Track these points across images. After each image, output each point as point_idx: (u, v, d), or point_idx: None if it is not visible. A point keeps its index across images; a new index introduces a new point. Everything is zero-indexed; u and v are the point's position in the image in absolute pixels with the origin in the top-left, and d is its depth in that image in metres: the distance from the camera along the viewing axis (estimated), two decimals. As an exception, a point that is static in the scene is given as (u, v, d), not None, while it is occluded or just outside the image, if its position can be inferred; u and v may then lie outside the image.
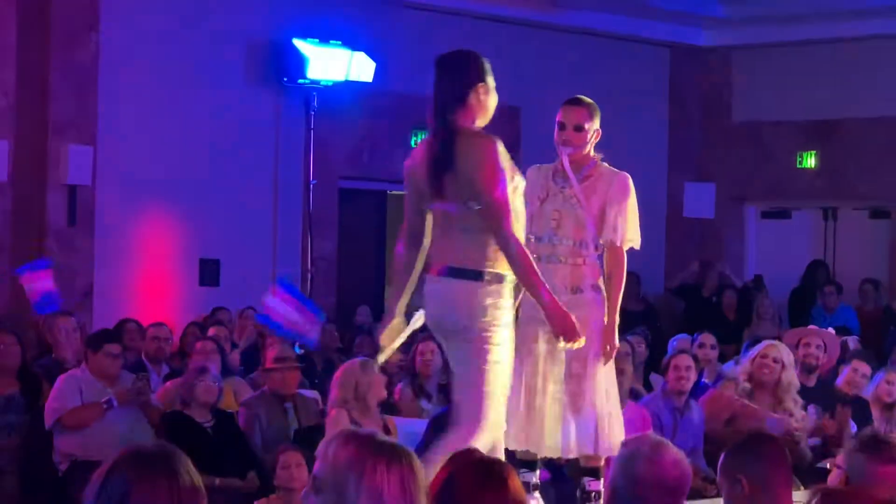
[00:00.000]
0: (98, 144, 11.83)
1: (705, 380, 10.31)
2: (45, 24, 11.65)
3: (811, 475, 8.16)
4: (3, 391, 9.17)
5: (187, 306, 12.31)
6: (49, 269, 10.59)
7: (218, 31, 12.65)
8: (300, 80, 12.75)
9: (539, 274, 5.57)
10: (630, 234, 6.38)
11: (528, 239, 5.95)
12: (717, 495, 5.07)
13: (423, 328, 6.07)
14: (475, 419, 5.56)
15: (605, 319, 6.33)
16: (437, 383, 9.81)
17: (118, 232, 12.02)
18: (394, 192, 15.01)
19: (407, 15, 13.69)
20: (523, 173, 5.88)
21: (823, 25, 14.71)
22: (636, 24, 15.02)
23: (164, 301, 12.15)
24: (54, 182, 11.67)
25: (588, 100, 6.46)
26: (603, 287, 6.36)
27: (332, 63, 12.73)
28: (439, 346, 9.64)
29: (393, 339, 6.02)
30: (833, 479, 5.69)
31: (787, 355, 9.02)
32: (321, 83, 12.80)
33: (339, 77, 12.78)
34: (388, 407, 9.10)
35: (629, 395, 8.81)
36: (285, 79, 12.80)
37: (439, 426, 8.06)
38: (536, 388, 6.23)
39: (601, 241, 6.37)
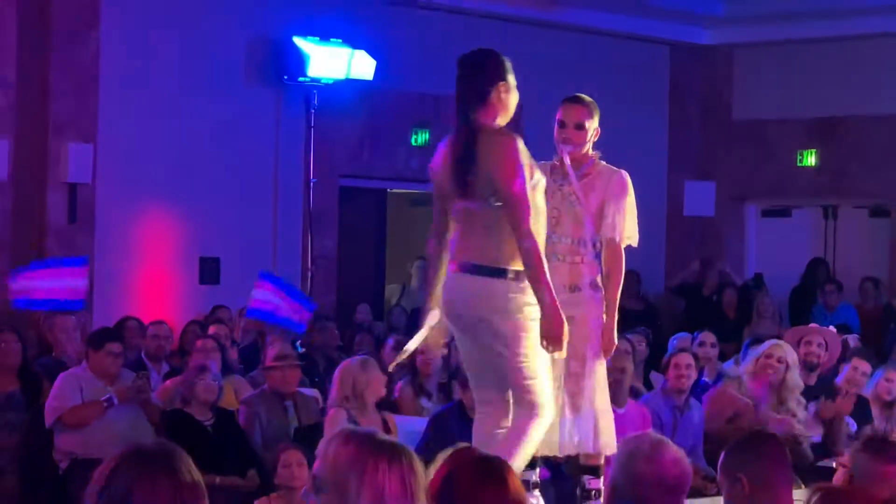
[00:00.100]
0: (98, 143, 11.82)
1: (706, 378, 10.32)
2: (45, 23, 11.65)
3: (812, 474, 8.16)
4: (3, 389, 9.18)
5: (187, 304, 12.31)
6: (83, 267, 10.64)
7: (218, 30, 12.65)
8: (300, 79, 12.75)
9: (547, 274, 5.58)
10: (629, 231, 6.39)
11: None
12: (718, 494, 5.07)
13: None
14: (530, 408, 5.73)
15: (604, 317, 6.34)
16: (438, 382, 9.82)
17: (118, 230, 12.02)
18: (394, 191, 15.02)
19: (407, 13, 13.69)
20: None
21: (823, 24, 14.70)
22: (636, 23, 15.01)
23: (164, 299, 12.15)
24: (54, 180, 11.67)
25: (588, 98, 6.47)
26: (601, 285, 6.36)
27: (333, 61, 12.73)
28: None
29: (441, 333, 6.09)
30: (838, 478, 5.69)
31: (791, 356, 9.01)
32: (321, 81, 12.80)
33: (340, 75, 12.77)
34: (389, 405, 9.11)
35: (629, 394, 8.81)
36: (286, 77, 12.80)
37: (439, 425, 8.09)
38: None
39: (600, 239, 6.38)
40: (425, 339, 6.12)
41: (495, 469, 3.71)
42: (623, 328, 6.77)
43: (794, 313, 14.82)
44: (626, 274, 6.47)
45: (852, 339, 11.37)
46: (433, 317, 6.02)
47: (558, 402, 6.22)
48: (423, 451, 6.93)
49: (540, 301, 5.61)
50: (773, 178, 15.66)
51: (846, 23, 14.54)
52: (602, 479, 6.23)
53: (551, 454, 6.34)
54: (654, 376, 10.55)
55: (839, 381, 9.61)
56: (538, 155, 6.73)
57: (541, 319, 5.62)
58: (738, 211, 16.14)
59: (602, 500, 6.09)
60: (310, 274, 13.02)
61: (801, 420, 8.85)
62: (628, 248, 6.44)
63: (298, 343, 11.10)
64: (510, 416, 5.89)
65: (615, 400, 7.25)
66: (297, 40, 12.67)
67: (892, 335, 12.94)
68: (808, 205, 16.07)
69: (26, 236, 11.71)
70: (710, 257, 15.50)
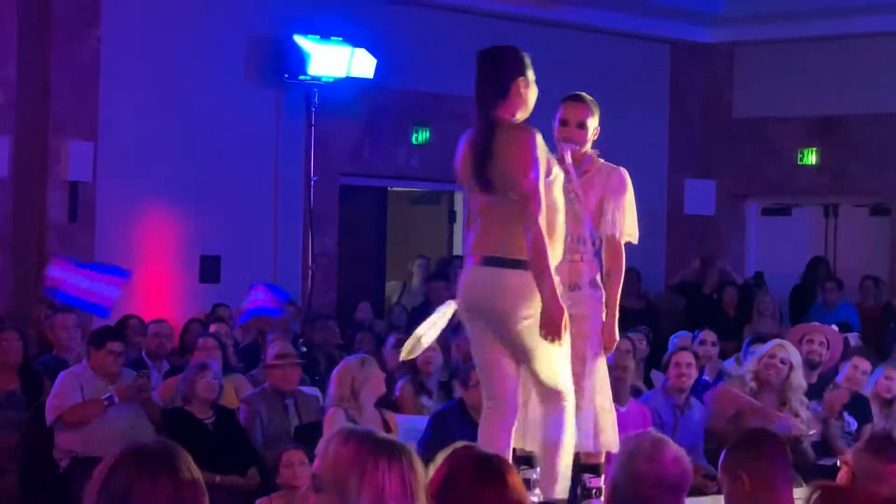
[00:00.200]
0: (99, 141, 11.82)
1: (706, 377, 10.32)
2: (45, 21, 11.65)
3: (813, 472, 8.17)
4: (4, 387, 9.18)
5: (188, 303, 12.30)
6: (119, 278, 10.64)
7: (219, 28, 12.65)
8: (301, 77, 12.74)
9: (551, 268, 5.64)
10: (628, 227, 6.39)
11: None
12: (718, 492, 5.07)
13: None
14: (557, 398, 5.90)
15: (605, 315, 6.34)
16: (438, 380, 9.82)
17: (119, 229, 12.01)
18: (394, 189, 15.02)
19: (408, 11, 13.69)
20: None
21: (824, 22, 14.70)
22: (637, 21, 15.01)
23: (164, 298, 12.14)
24: (55, 179, 11.66)
25: (588, 96, 6.47)
26: (601, 284, 6.37)
27: (333, 59, 12.72)
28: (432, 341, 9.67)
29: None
30: (841, 477, 5.70)
31: (794, 356, 8.99)
32: (322, 80, 12.79)
33: (340, 73, 12.77)
34: (390, 404, 9.11)
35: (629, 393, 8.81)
36: (286, 75, 12.79)
37: (440, 424, 8.08)
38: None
39: (599, 236, 6.38)
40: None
41: (495, 468, 3.71)
42: (623, 327, 6.77)
43: (794, 312, 14.82)
44: (626, 272, 6.48)
45: (853, 338, 11.38)
46: (449, 307, 6.11)
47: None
48: (424, 450, 6.95)
49: (540, 291, 5.66)
50: (774, 176, 15.66)
51: (847, 21, 14.54)
52: (603, 477, 6.23)
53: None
54: (655, 375, 10.55)
55: (839, 379, 9.62)
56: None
57: (541, 310, 5.66)
58: (738, 209, 16.13)
59: (603, 498, 6.09)
60: (310, 272, 13.02)
61: (803, 420, 8.85)
62: (629, 245, 6.44)
63: (300, 341, 11.12)
64: (517, 414, 5.94)
65: (617, 398, 7.24)
66: (298, 39, 12.67)
67: (892, 334, 12.93)
68: (809, 203, 16.07)
69: (26, 235, 11.71)
70: (711, 256, 15.50)
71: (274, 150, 13.05)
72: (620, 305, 6.44)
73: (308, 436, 8.08)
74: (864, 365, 9.64)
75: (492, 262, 5.80)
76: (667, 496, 4.17)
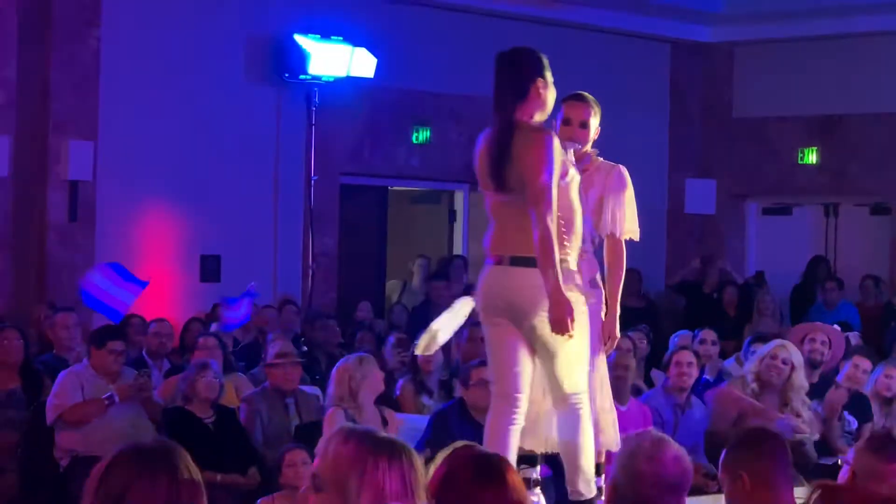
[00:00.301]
0: (99, 140, 11.82)
1: (707, 376, 10.32)
2: (46, 20, 11.64)
3: (813, 472, 8.16)
4: (4, 386, 9.18)
5: (188, 302, 12.30)
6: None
7: (219, 27, 12.65)
8: (301, 76, 12.74)
9: (557, 263, 5.69)
10: (629, 225, 6.40)
11: None
12: (719, 492, 5.07)
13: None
14: (573, 395, 5.97)
15: (604, 312, 6.35)
16: (439, 379, 9.81)
17: (119, 228, 12.01)
18: (395, 188, 15.02)
19: (408, 11, 13.69)
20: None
21: (824, 22, 14.69)
22: (637, 20, 15.01)
23: (165, 297, 12.14)
24: (55, 178, 11.66)
25: (590, 96, 6.48)
26: (601, 282, 6.37)
27: (334, 59, 12.72)
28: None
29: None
30: (841, 476, 5.69)
31: (796, 357, 8.97)
32: (322, 79, 12.79)
33: (341, 73, 12.77)
34: (390, 403, 9.10)
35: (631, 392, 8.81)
36: (286, 74, 12.79)
37: (441, 423, 8.08)
38: (536, 385, 6.24)
39: (600, 234, 6.38)
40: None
41: (495, 467, 3.71)
42: (624, 326, 6.77)
43: (794, 311, 14.82)
44: (626, 272, 6.48)
45: (853, 337, 11.37)
46: (465, 303, 6.20)
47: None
48: (425, 449, 6.95)
49: (546, 288, 5.71)
50: (774, 175, 15.65)
51: (847, 21, 14.53)
52: (603, 477, 6.23)
53: (552, 451, 6.34)
54: (655, 374, 10.55)
55: (840, 378, 9.61)
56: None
57: (549, 303, 5.73)
58: (738, 209, 16.13)
59: (603, 498, 6.09)
60: (311, 271, 13.02)
61: (805, 421, 8.84)
62: (629, 244, 6.44)
63: (301, 340, 11.12)
64: (526, 412, 6.00)
65: (618, 398, 7.24)
66: (298, 38, 12.67)
67: (892, 333, 12.92)
68: (809, 203, 16.07)
69: (27, 234, 11.72)
70: (711, 255, 15.50)
71: (274, 150, 13.04)
72: (621, 305, 6.44)
73: (309, 435, 8.08)
74: (865, 364, 9.64)
75: (512, 261, 5.87)
76: (667, 495, 4.16)
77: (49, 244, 11.65)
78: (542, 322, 5.81)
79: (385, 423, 8.22)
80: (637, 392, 9.26)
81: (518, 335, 5.92)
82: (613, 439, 6.33)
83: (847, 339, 10.82)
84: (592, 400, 6.31)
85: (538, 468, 6.41)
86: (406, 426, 8.49)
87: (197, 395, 8.51)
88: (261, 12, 12.83)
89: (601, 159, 6.46)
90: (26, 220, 11.70)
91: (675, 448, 4.24)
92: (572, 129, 6.36)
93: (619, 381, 8.18)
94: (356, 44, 12.84)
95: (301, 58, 12.64)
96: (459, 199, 14.93)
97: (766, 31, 15.20)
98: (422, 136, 13.96)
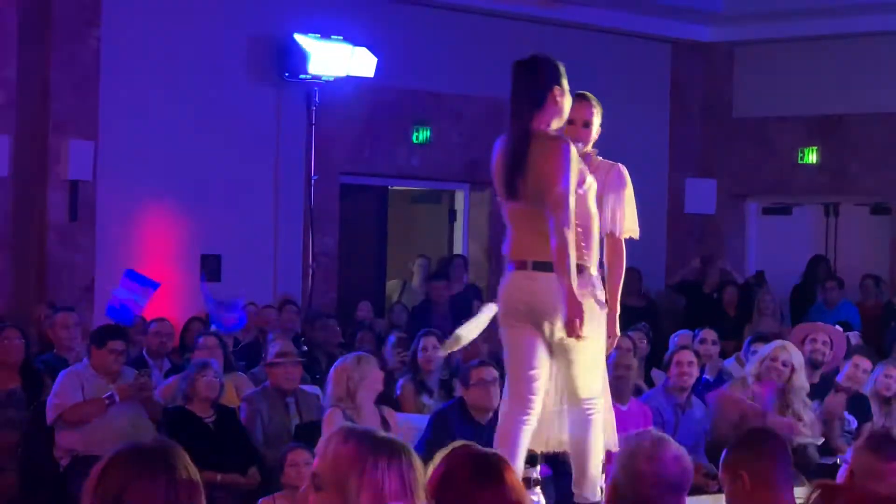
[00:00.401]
0: (99, 140, 11.82)
1: (707, 376, 10.32)
2: (46, 20, 11.65)
3: (814, 471, 8.16)
4: (4, 386, 9.18)
5: (189, 302, 12.30)
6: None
7: (219, 27, 12.65)
8: (301, 76, 12.74)
9: (572, 270, 5.76)
10: (629, 223, 6.42)
11: None
12: (719, 491, 5.07)
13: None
14: (588, 399, 6.07)
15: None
16: (439, 379, 9.82)
17: (119, 228, 12.01)
18: (395, 188, 15.02)
19: (408, 10, 13.69)
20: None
21: (825, 21, 14.69)
22: (638, 20, 15.01)
23: (165, 296, 12.14)
24: (55, 178, 11.66)
25: (592, 96, 6.49)
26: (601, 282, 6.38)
27: (334, 58, 12.72)
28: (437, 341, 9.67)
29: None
30: (841, 476, 5.69)
31: (797, 358, 8.96)
32: (322, 78, 12.79)
33: (341, 72, 12.76)
34: (390, 402, 9.10)
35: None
36: (286, 74, 12.79)
37: (441, 423, 8.08)
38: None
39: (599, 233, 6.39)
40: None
41: (494, 467, 3.71)
42: (624, 325, 6.78)
43: (795, 311, 14.82)
44: (627, 271, 6.49)
45: (853, 337, 11.38)
46: (489, 309, 6.27)
47: (560, 399, 6.24)
48: (425, 449, 6.96)
49: (560, 282, 5.79)
50: (774, 175, 15.65)
51: (847, 20, 14.53)
52: (603, 476, 6.23)
53: (552, 451, 6.35)
54: (656, 374, 10.55)
55: (840, 378, 9.61)
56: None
57: (563, 304, 5.80)
58: (738, 208, 16.13)
59: (603, 497, 6.09)
60: (311, 271, 13.01)
61: (806, 423, 8.83)
62: (629, 243, 6.45)
63: (301, 340, 11.12)
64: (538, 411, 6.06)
65: (619, 397, 7.26)
66: (298, 38, 12.67)
67: (892, 332, 12.93)
68: (809, 202, 16.07)
69: (27, 234, 11.72)
70: (711, 255, 15.50)
71: (274, 149, 13.04)
72: (621, 304, 6.45)
73: (309, 434, 8.08)
74: (865, 363, 9.64)
75: (533, 265, 5.94)
76: (667, 495, 4.16)
77: (49, 244, 11.65)
78: (561, 326, 5.88)
79: (384, 422, 8.21)
80: (637, 392, 9.26)
81: (537, 338, 5.98)
82: (613, 439, 6.33)
83: (847, 338, 10.82)
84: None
85: (538, 468, 6.41)
86: (406, 426, 8.48)
87: (197, 394, 8.51)
88: (261, 12, 12.83)
89: (601, 158, 6.47)
90: (26, 220, 11.70)
91: (676, 448, 4.24)
92: (576, 129, 6.37)
93: (620, 380, 8.19)
94: (356, 44, 12.84)
95: (301, 57, 12.63)
96: (459, 199, 14.93)
97: (766, 31, 15.20)
98: (422, 136, 13.96)
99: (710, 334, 10.89)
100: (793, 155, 15.49)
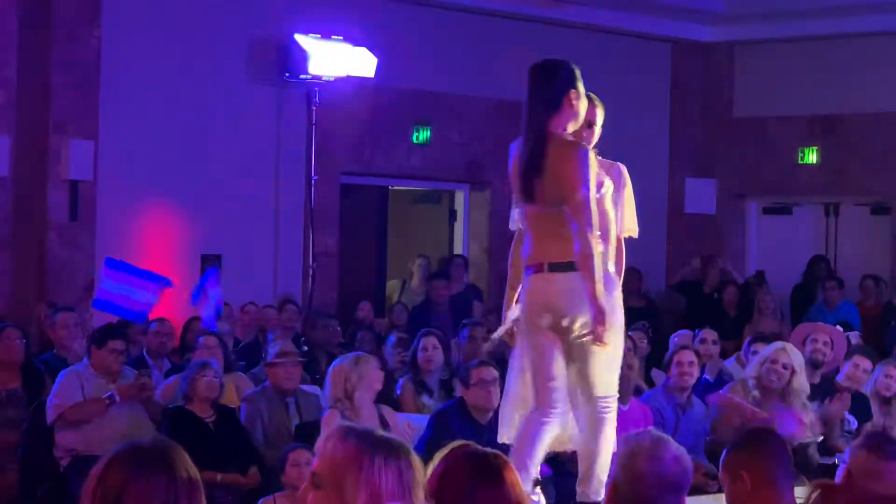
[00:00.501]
0: (99, 140, 11.82)
1: (707, 376, 10.32)
2: (46, 19, 11.65)
3: (814, 471, 8.16)
4: (5, 386, 9.18)
5: (189, 302, 12.29)
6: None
7: (219, 27, 12.65)
8: (302, 76, 12.74)
9: (598, 271, 5.81)
10: (629, 223, 6.43)
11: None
12: (719, 491, 5.07)
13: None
14: (602, 399, 6.13)
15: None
16: (439, 379, 9.82)
17: (120, 227, 12.01)
18: (395, 188, 15.02)
19: (408, 10, 13.69)
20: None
21: (825, 21, 14.69)
22: (638, 20, 15.01)
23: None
24: (55, 177, 11.66)
25: (594, 96, 6.49)
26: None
27: (334, 58, 12.72)
28: (440, 343, 9.67)
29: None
30: (839, 475, 5.70)
31: (797, 360, 8.95)
32: (323, 79, 12.79)
33: (341, 72, 12.76)
34: (390, 402, 9.10)
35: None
36: (287, 74, 12.79)
37: (441, 422, 8.08)
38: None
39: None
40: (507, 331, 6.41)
41: (493, 466, 3.71)
42: (624, 325, 6.77)
43: (795, 311, 14.82)
44: (627, 271, 6.50)
45: (853, 337, 11.38)
46: (515, 311, 6.29)
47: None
48: (425, 449, 6.95)
49: (586, 296, 5.84)
50: (774, 175, 15.65)
51: (847, 20, 14.54)
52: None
53: (552, 451, 6.35)
54: (656, 373, 10.55)
55: (840, 378, 9.61)
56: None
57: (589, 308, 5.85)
58: (739, 208, 16.13)
59: (603, 497, 6.10)
60: (311, 271, 13.01)
61: (807, 424, 8.83)
62: (629, 243, 6.45)
63: (301, 340, 11.12)
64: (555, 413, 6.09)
65: (619, 397, 7.24)
66: (299, 38, 12.67)
67: (892, 332, 12.93)
68: (810, 202, 16.07)
69: (27, 234, 11.72)
70: (711, 255, 15.50)
71: (275, 149, 13.05)
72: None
73: (309, 434, 8.08)
74: (865, 363, 9.64)
75: (553, 267, 5.97)
76: (667, 495, 4.16)
77: (49, 244, 11.65)
78: (580, 324, 5.91)
79: (384, 422, 8.20)
80: (637, 392, 9.26)
81: (557, 344, 6.02)
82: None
83: (847, 338, 10.82)
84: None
85: (538, 468, 6.40)
86: (406, 426, 8.48)
87: (197, 394, 8.50)
88: (261, 12, 12.83)
89: (600, 158, 6.47)
90: (26, 220, 11.70)
91: (676, 448, 4.23)
92: (580, 130, 6.38)
93: (620, 380, 8.16)
94: (356, 43, 12.84)
95: (302, 57, 12.63)
96: (459, 199, 14.93)
97: (766, 31, 15.21)
98: (422, 136, 13.96)
99: (710, 334, 10.90)
100: (793, 155, 15.50)
